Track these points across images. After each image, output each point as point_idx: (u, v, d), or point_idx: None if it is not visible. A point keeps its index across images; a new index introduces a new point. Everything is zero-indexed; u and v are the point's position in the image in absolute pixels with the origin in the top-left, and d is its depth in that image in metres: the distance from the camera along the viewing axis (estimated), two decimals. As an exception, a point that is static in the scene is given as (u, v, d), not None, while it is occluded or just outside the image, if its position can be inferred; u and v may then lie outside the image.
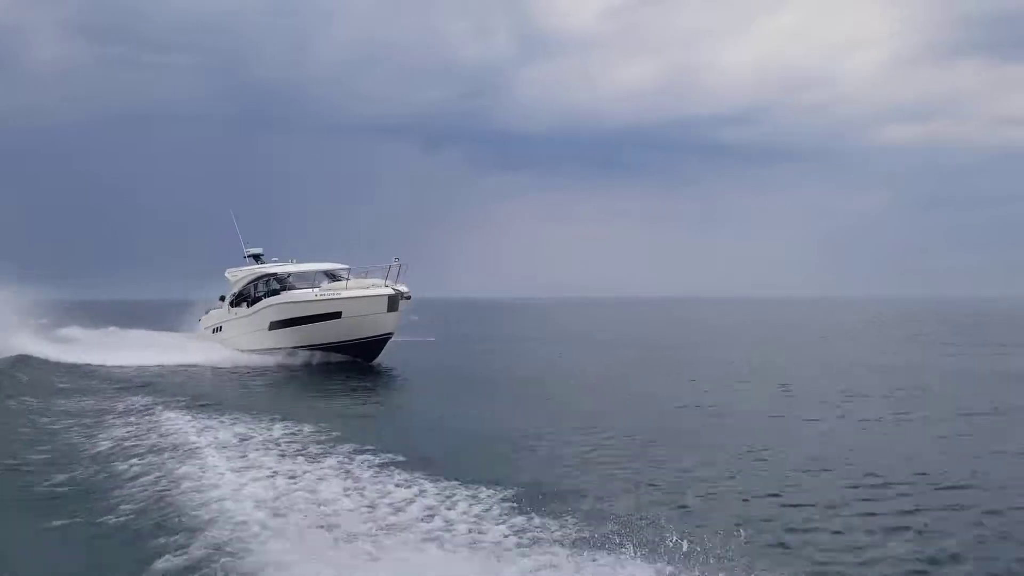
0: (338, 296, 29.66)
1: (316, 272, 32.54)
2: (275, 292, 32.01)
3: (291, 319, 30.94)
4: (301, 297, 30.66)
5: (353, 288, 29.76)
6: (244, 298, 33.66)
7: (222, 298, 36.71)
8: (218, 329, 34.75)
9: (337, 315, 29.81)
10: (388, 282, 29.74)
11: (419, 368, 30.57)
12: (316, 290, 30.71)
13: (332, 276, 32.14)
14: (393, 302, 29.53)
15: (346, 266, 32.47)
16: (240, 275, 34.10)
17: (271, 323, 31.72)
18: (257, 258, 35.38)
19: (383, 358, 30.92)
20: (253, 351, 32.08)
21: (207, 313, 36.35)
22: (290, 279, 32.13)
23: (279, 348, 31.57)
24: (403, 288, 29.70)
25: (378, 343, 30.37)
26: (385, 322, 29.91)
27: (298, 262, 33.76)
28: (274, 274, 32.65)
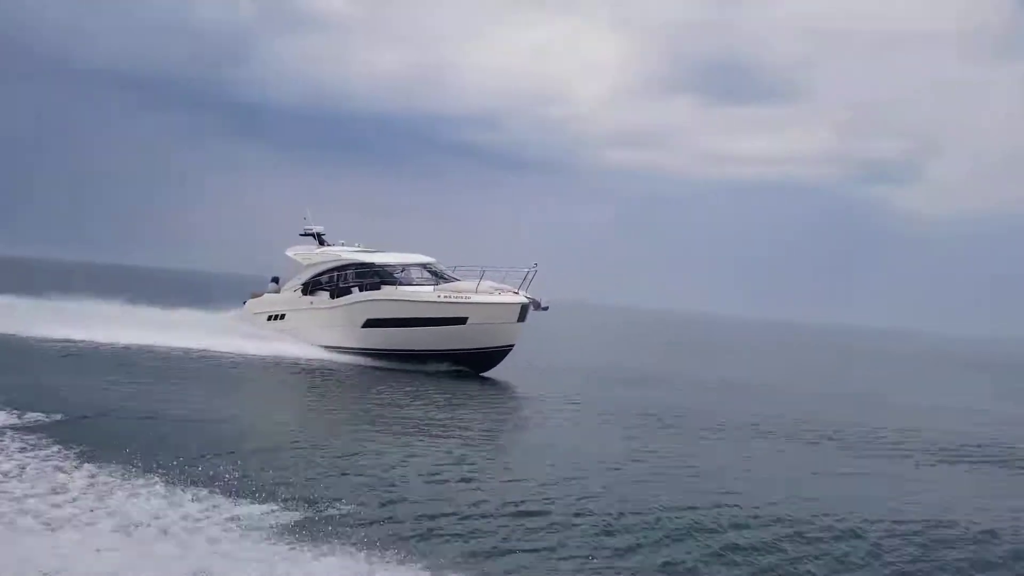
0: (467, 300, 26.45)
1: (416, 266, 28.97)
2: (374, 285, 28.18)
3: (397, 319, 27.34)
4: (419, 296, 27.13)
5: (483, 292, 26.62)
6: (321, 286, 29.48)
7: (275, 279, 32.17)
8: (278, 317, 30.21)
9: (462, 321, 26.61)
10: (520, 290, 26.89)
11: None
12: (433, 289, 27.28)
13: (435, 273, 28.69)
14: (524, 312, 26.76)
15: (433, 260, 29.30)
16: (317, 258, 29.81)
17: (368, 320, 27.91)
18: (319, 237, 31.15)
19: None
20: (334, 348, 28.19)
21: (257, 296, 31.59)
22: (396, 273, 28.34)
23: (371, 349, 27.89)
24: (539, 298, 26.94)
25: (499, 355, 27.42)
26: (512, 333, 27.03)
27: (375, 251, 30.02)
28: (372, 264, 28.72)
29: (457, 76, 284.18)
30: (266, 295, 31.26)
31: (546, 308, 27.27)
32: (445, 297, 26.69)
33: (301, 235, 31.60)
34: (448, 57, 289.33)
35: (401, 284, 27.88)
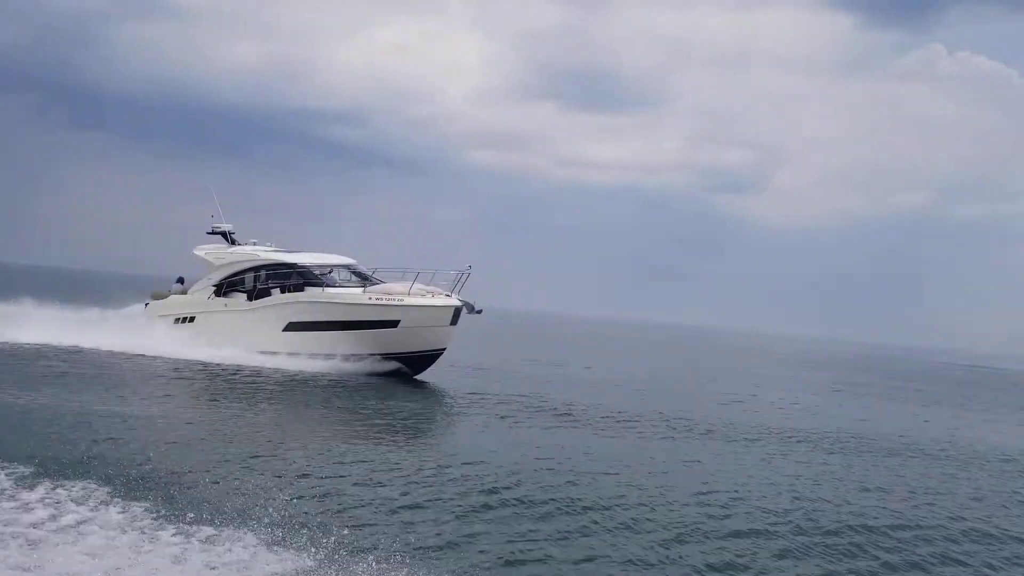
0: (400, 303, 25.63)
1: (339, 267, 27.84)
2: (297, 287, 26.84)
3: (324, 322, 26.19)
4: (348, 298, 26.06)
5: (415, 294, 25.85)
6: (236, 287, 27.81)
7: (180, 280, 30.13)
8: (186, 319, 28.26)
9: (393, 324, 25.78)
10: (452, 292, 26.35)
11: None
12: (362, 291, 26.29)
13: (361, 275, 27.68)
14: (457, 315, 26.25)
15: (354, 261, 28.39)
16: (231, 258, 28.09)
17: (289, 323, 26.56)
18: (227, 236, 29.39)
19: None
20: (255, 352, 26.70)
21: (159, 299, 29.38)
22: (320, 274, 27.07)
23: (294, 352, 26.56)
24: (472, 301, 26.46)
25: (430, 359, 26.76)
26: (445, 336, 26.44)
27: (290, 251, 28.70)
28: (295, 264, 27.32)
29: (322, 72, 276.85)
30: (172, 296, 29.19)
31: (479, 311, 26.87)
32: (376, 299, 25.78)
33: (209, 233, 29.75)
34: (313, 52, 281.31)
35: (326, 286, 26.71)
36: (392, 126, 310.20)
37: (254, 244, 29.22)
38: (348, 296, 26.19)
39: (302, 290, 26.75)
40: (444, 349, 26.77)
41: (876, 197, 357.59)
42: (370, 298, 25.84)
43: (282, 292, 26.98)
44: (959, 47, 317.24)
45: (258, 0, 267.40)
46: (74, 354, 24.62)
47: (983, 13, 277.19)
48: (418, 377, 27.00)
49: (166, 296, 29.38)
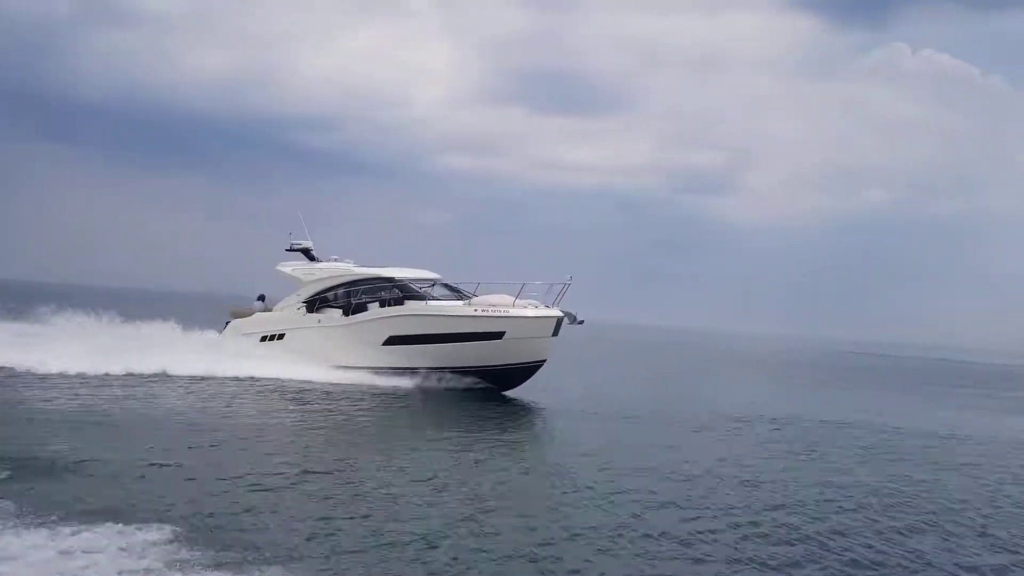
0: (505, 314, 25.76)
1: (430, 280, 27.86)
2: (397, 301, 26.77)
3: (426, 335, 26.14)
4: (452, 310, 26.08)
5: (520, 306, 26.02)
6: (329, 303, 27.59)
7: (261, 297, 29.77)
8: (274, 337, 27.87)
9: (498, 335, 25.87)
10: (554, 303, 26.57)
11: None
12: (464, 304, 26.34)
13: (451, 288, 27.75)
14: (559, 326, 26.51)
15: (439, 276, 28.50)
16: (322, 274, 27.88)
17: (390, 337, 26.44)
18: (308, 253, 29.22)
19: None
20: (347, 368, 26.48)
21: (242, 315, 28.94)
22: (419, 288, 27.06)
23: (394, 368, 26.44)
24: (574, 312, 26.75)
25: (531, 371, 26.87)
26: (546, 347, 26.62)
27: (375, 266, 28.64)
28: (392, 279, 27.25)
29: (293, 79, 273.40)
30: (256, 314, 28.77)
31: (581, 322, 27.18)
32: (483, 311, 25.85)
33: (288, 251, 29.49)
34: (283, 59, 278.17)
35: (427, 299, 26.71)
36: (364, 132, 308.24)
37: (335, 260, 29.10)
38: (453, 308, 26.21)
39: (402, 304, 26.70)
40: (544, 361, 26.93)
41: (845, 196, 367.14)
42: (476, 310, 25.90)
43: (381, 306, 26.87)
44: (922, 46, 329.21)
45: (228, 7, 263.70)
46: (168, 382, 23.15)
47: (942, 12, 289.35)
48: (506, 393, 27.07)
49: (248, 314, 28.96)
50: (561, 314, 26.48)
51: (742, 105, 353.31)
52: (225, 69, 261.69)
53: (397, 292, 27.01)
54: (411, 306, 26.54)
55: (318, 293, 27.75)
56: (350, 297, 27.41)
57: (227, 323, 29.16)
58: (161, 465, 12.96)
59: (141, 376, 23.61)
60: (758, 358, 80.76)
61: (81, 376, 22.67)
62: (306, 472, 13.26)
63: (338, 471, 13.70)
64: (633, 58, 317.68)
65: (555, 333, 26.50)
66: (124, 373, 23.77)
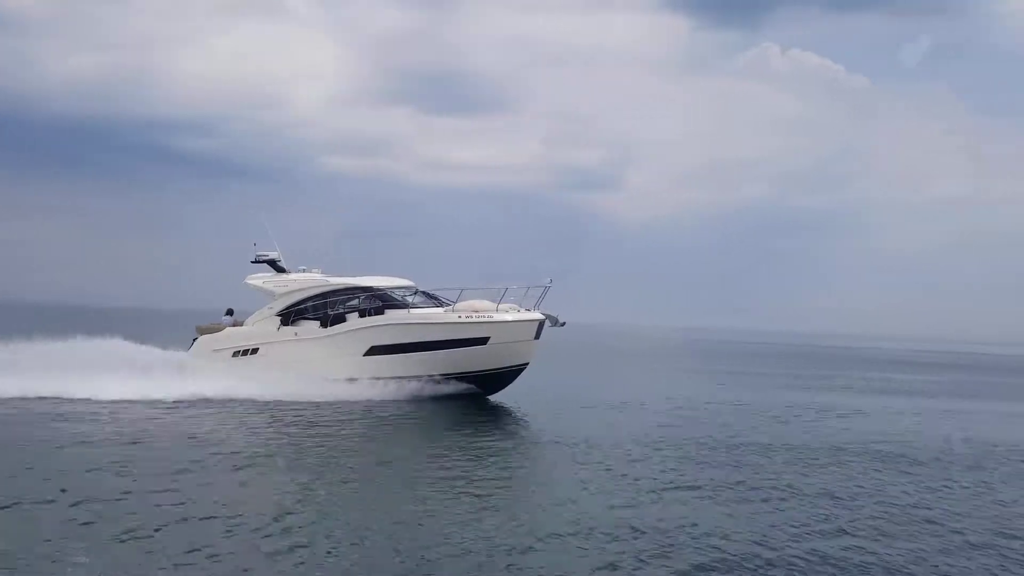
0: (490, 319, 25.73)
1: (405, 288, 27.53)
2: (377, 310, 26.37)
3: (410, 344, 25.86)
4: (435, 318, 25.86)
5: (503, 310, 26.05)
6: (305, 315, 26.95)
7: (229, 312, 28.83)
8: (247, 352, 27.04)
9: (483, 341, 25.82)
10: (535, 306, 26.71)
11: None
12: (445, 310, 26.16)
13: (427, 295, 27.50)
14: (541, 328, 26.69)
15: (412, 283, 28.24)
16: (296, 285, 27.18)
17: (372, 347, 26.04)
18: (275, 264, 28.48)
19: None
20: (332, 380, 25.98)
21: (210, 334, 27.83)
22: (398, 296, 26.72)
23: (376, 377, 26.08)
24: (556, 314, 26.93)
25: (515, 374, 26.93)
26: (529, 351, 26.73)
27: (347, 276, 28.18)
28: (371, 288, 26.81)
29: (165, 80, 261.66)
30: (226, 329, 27.82)
31: (563, 324, 27.36)
32: (467, 317, 25.74)
33: (253, 262, 28.66)
34: (154, 61, 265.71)
35: (407, 307, 26.42)
36: (242, 135, 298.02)
37: (303, 270, 28.45)
38: (435, 316, 26.01)
39: (382, 313, 26.33)
40: (527, 364, 27.04)
41: (725, 190, 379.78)
42: (460, 316, 25.77)
43: (361, 316, 26.43)
44: (791, 45, 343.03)
45: (94, 9, 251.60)
46: (166, 416, 21.35)
47: (807, 13, 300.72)
48: (491, 397, 27.15)
49: (217, 329, 27.99)
50: (543, 317, 26.64)
51: (624, 103, 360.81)
52: (94, 72, 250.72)
53: (376, 301, 26.64)
54: (392, 315, 26.21)
55: (292, 305, 27.06)
56: (327, 308, 26.85)
57: (194, 340, 28.11)
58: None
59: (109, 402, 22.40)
60: (643, 349, 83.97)
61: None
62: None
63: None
64: (516, 57, 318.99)
65: (537, 336, 26.65)
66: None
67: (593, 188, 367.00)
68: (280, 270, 28.38)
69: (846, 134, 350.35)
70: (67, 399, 22.23)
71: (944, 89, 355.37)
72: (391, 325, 25.99)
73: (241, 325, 27.91)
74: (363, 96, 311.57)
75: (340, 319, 26.56)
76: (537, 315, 26.40)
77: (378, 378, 25.98)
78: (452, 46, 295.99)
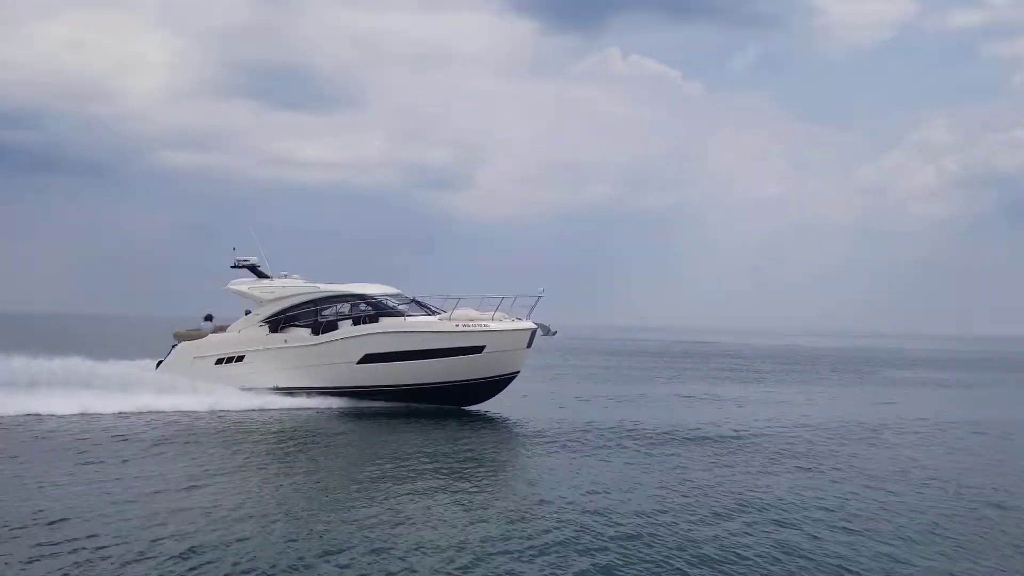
0: (486, 328, 25.96)
1: (396, 296, 27.45)
2: (371, 318, 26.16)
3: (404, 352, 25.79)
4: (431, 326, 25.88)
5: (498, 320, 26.32)
6: (295, 322, 26.48)
7: (208, 318, 28.00)
8: (232, 360, 26.32)
9: (478, 350, 26.04)
10: (527, 316, 27.12)
11: None
12: (439, 319, 26.22)
13: (418, 303, 27.50)
14: (533, 337, 27.18)
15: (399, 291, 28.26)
16: (284, 292, 26.62)
17: (366, 355, 25.83)
18: (255, 269, 27.90)
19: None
20: (320, 391, 25.76)
21: (188, 338, 26.98)
22: (392, 304, 26.59)
23: (368, 387, 25.96)
24: (547, 324, 27.37)
25: (506, 382, 27.23)
26: (521, 359, 27.12)
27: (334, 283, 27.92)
28: (363, 295, 26.56)
29: None
30: (209, 336, 26.97)
31: (555, 333, 27.92)
32: (463, 326, 25.89)
33: (233, 267, 27.95)
34: None
35: (401, 315, 26.35)
36: (70, 129, 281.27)
37: (285, 276, 27.96)
38: (433, 324, 26.02)
39: (376, 321, 26.15)
40: (518, 372, 27.40)
41: (571, 190, 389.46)
42: (457, 325, 25.89)
43: (354, 324, 26.16)
44: (631, 51, 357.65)
45: None
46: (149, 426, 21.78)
47: (645, 21, 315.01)
48: (470, 408, 27.28)
49: (197, 336, 27.11)
50: (535, 326, 27.11)
51: (471, 103, 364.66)
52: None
53: (369, 309, 26.45)
54: (387, 323, 26.07)
55: (281, 312, 26.54)
56: (317, 315, 26.47)
57: (172, 347, 27.15)
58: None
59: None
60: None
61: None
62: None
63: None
64: (361, 54, 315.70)
65: (529, 345, 27.07)
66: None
67: (442, 187, 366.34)
68: (261, 275, 27.79)
69: (683, 137, 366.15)
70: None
71: (769, 97, 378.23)
72: (387, 333, 25.84)
73: (223, 331, 27.16)
74: (202, 89, 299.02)
75: (332, 326, 26.23)
76: (530, 324, 26.84)
77: (372, 385, 25.87)
78: (297, 41, 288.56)
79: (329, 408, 25.45)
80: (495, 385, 27.05)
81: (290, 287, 26.83)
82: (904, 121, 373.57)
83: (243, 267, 27.84)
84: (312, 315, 26.47)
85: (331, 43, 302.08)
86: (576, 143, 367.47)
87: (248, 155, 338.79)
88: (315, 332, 26.20)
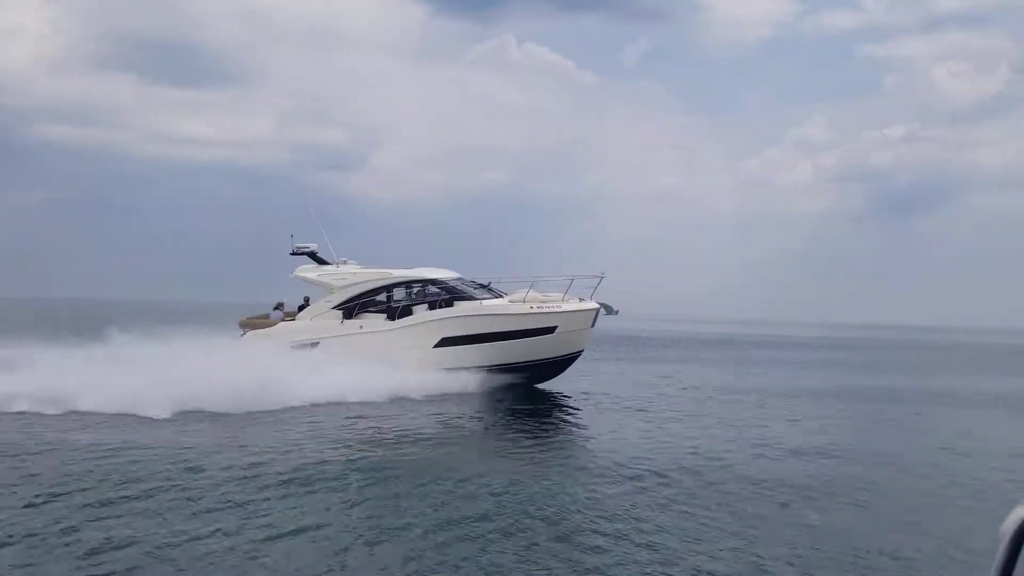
0: (559, 310, 26.84)
1: (459, 279, 28.02)
2: (447, 302, 26.69)
3: (479, 335, 26.46)
4: (507, 309, 26.59)
5: (568, 301, 27.25)
6: (369, 307, 26.79)
7: (279, 306, 28.07)
8: (306, 347, 26.51)
9: (551, 330, 26.92)
10: (591, 297, 28.10)
11: None
12: (510, 301, 26.95)
13: (482, 287, 28.19)
14: (596, 317, 28.24)
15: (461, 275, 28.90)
16: (356, 278, 26.88)
17: (442, 339, 26.40)
18: (314, 255, 28.13)
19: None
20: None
21: (258, 326, 26.96)
22: (466, 289, 27.15)
23: (447, 369, 26.55)
24: (610, 303, 28.48)
25: (571, 361, 28.23)
26: (586, 338, 28.14)
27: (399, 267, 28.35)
28: (436, 280, 27.02)
29: None
30: (280, 323, 27.05)
31: (616, 312, 28.90)
32: (538, 308, 26.69)
33: (292, 254, 28.05)
34: None
35: (478, 299, 26.99)
36: None
37: (345, 261, 28.24)
38: (507, 307, 26.71)
39: (451, 305, 26.70)
40: (583, 351, 28.43)
41: (466, 175, 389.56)
42: (531, 307, 26.67)
43: (430, 308, 26.65)
44: (525, 39, 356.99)
45: None
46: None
47: (539, 10, 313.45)
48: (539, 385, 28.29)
49: (266, 324, 27.16)
50: (598, 306, 28.13)
51: (365, 85, 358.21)
52: None
53: (444, 293, 26.97)
54: (463, 307, 26.64)
55: (354, 298, 26.81)
56: (390, 301, 26.86)
57: (241, 335, 27.11)
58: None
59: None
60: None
61: None
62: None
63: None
64: (249, 31, 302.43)
65: (593, 324, 28.09)
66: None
67: (336, 169, 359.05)
68: (321, 261, 28.02)
69: (577, 126, 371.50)
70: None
71: (659, 88, 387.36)
72: (464, 317, 26.44)
73: (292, 319, 27.28)
74: (80, 62, 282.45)
75: (407, 311, 26.66)
76: (594, 304, 27.82)
77: (449, 368, 26.45)
78: (179, 14, 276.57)
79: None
80: (563, 364, 28.02)
81: (363, 273, 27.11)
82: (786, 117, 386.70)
83: (303, 253, 27.97)
84: (385, 301, 26.84)
85: (217, 18, 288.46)
86: (470, 128, 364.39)
87: (132, 130, 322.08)
88: (391, 317, 26.60)
